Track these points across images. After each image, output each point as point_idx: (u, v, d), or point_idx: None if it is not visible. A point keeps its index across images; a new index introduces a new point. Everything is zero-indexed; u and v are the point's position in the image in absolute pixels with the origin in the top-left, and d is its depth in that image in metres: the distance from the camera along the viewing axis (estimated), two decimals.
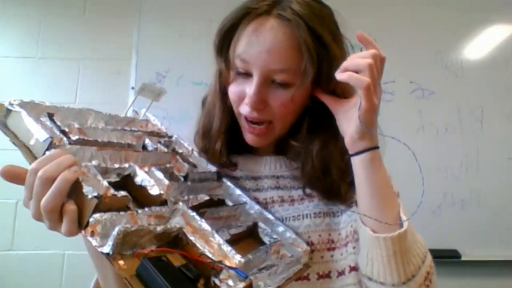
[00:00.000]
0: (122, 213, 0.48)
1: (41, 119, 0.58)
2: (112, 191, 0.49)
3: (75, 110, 0.65)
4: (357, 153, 0.60)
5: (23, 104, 0.58)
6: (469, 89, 1.91)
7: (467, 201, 1.85)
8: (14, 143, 0.53)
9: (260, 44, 0.62)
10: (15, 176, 0.48)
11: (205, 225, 0.54)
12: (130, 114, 0.77)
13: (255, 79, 0.63)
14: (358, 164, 0.61)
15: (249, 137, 0.71)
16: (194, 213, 0.55)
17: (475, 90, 1.91)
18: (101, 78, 1.97)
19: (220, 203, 0.67)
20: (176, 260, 0.49)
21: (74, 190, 0.47)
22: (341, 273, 0.67)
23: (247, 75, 0.65)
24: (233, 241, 0.57)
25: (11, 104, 0.57)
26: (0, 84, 1.94)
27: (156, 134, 0.74)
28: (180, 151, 0.73)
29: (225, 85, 0.71)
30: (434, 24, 1.92)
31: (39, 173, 0.46)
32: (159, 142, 0.71)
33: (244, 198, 0.70)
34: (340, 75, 0.56)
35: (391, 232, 0.57)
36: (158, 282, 0.42)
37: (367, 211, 0.60)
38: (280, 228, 0.67)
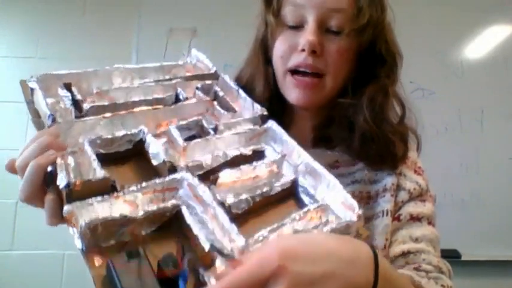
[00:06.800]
0: (104, 196, 0.43)
1: (59, 91, 0.54)
2: (92, 175, 0.44)
3: (101, 71, 0.61)
4: None
5: (39, 79, 0.54)
6: (469, 89, 1.91)
7: (467, 201, 1.85)
8: (33, 124, 0.52)
9: None
10: (11, 166, 0.46)
11: (207, 197, 0.45)
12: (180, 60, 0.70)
13: (311, 22, 0.62)
14: None
15: (296, 94, 0.65)
16: (198, 182, 0.46)
17: (475, 90, 1.91)
18: None
19: (258, 156, 0.55)
20: (169, 246, 0.42)
21: (56, 176, 0.43)
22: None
23: (298, 28, 0.64)
24: (265, 206, 0.48)
25: (29, 81, 0.53)
26: (0, 84, 1.94)
27: (200, 77, 0.65)
28: (222, 94, 0.63)
29: (267, 51, 0.70)
30: (434, 24, 1.92)
31: (17, 161, 0.44)
32: (197, 88, 0.62)
33: (291, 146, 0.55)
34: None
35: None
36: None
37: None
38: (330, 182, 0.50)
